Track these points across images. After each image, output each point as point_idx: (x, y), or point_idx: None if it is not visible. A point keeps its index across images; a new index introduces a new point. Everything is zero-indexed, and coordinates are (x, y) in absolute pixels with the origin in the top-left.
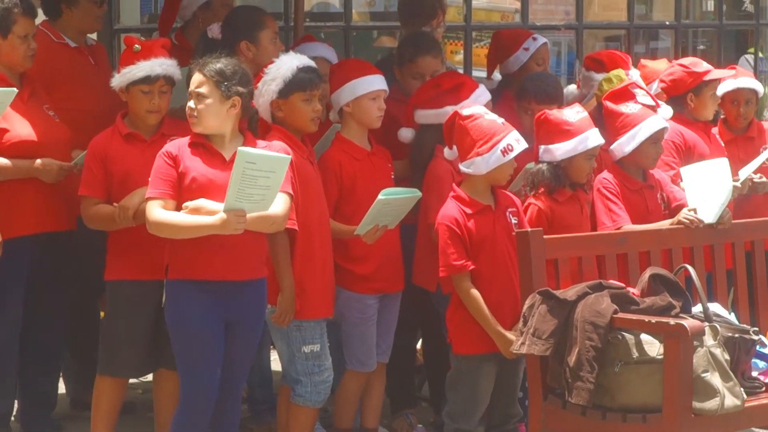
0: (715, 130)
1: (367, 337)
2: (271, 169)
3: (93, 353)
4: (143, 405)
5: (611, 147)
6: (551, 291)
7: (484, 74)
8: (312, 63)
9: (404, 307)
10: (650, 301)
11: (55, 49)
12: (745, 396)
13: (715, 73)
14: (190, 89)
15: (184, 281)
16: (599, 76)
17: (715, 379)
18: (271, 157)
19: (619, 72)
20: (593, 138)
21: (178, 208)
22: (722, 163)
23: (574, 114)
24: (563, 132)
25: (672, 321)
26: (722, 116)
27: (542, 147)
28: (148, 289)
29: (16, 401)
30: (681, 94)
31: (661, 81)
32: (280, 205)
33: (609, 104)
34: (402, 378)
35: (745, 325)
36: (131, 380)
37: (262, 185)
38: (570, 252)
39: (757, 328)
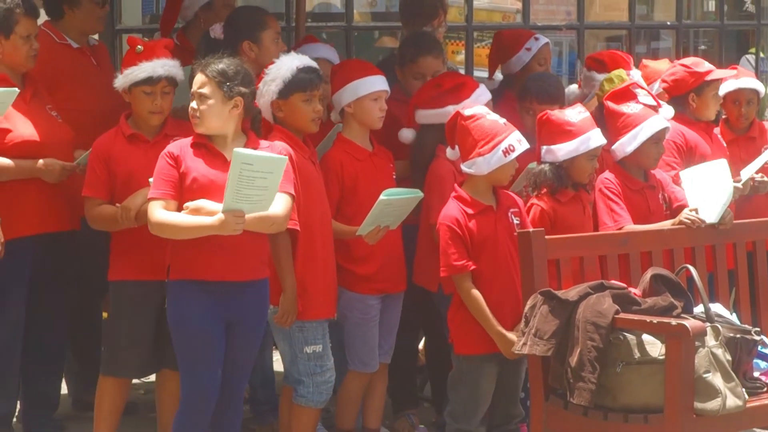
0: (716, 130)
1: (369, 338)
2: (268, 169)
3: (95, 353)
4: (146, 405)
5: (612, 147)
6: (553, 291)
7: (485, 74)
8: (312, 63)
9: (406, 308)
10: (652, 302)
11: (57, 50)
12: (746, 396)
13: (717, 73)
14: (192, 90)
15: (184, 281)
16: (600, 76)
17: (716, 379)
18: (268, 157)
19: (621, 72)
20: (595, 138)
21: (180, 209)
22: (721, 164)
23: (576, 114)
24: (565, 132)
25: (674, 321)
26: (724, 116)
27: (544, 147)
28: (151, 290)
29: (18, 401)
30: (683, 94)
31: (663, 81)
32: (280, 205)
33: (610, 104)
34: (404, 378)
35: (746, 326)
36: (134, 381)
37: (260, 186)
38: (571, 252)
39: (758, 329)
